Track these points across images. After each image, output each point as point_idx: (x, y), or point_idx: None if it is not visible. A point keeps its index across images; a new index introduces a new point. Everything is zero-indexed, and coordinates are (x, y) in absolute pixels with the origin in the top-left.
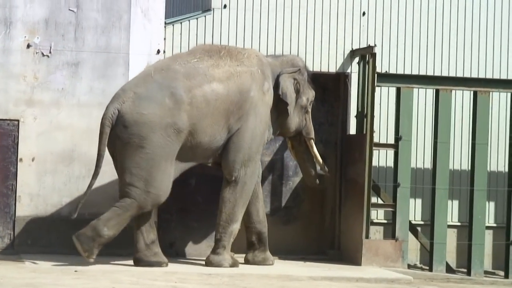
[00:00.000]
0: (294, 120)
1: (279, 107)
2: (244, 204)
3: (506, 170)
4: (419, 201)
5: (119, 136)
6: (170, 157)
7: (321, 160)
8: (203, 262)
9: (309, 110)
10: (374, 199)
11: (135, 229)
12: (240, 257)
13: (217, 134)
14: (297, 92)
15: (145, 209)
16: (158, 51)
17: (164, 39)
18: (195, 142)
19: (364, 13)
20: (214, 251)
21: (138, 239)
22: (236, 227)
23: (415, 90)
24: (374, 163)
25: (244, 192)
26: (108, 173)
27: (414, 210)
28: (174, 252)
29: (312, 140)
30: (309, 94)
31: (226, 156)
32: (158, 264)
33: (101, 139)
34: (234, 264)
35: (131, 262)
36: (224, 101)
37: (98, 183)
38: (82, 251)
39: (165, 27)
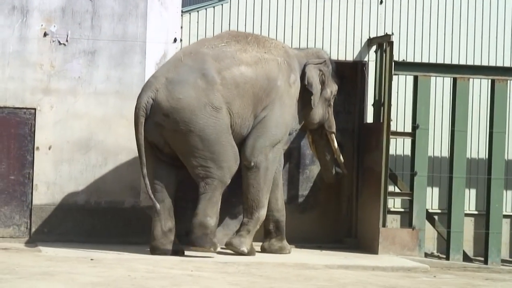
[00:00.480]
0: (318, 111)
1: (304, 98)
2: (268, 189)
3: None
4: (436, 190)
5: (162, 125)
6: (224, 131)
7: (341, 156)
8: (220, 250)
9: (332, 103)
10: (391, 188)
11: (155, 215)
12: (257, 245)
13: (246, 119)
14: (322, 83)
15: (226, 183)
16: (175, 40)
17: (181, 27)
18: (231, 123)
19: (381, 2)
20: (238, 232)
21: (155, 226)
22: (263, 213)
23: (433, 79)
24: (391, 151)
25: (267, 177)
26: (124, 161)
27: (431, 199)
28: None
29: (333, 134)
30: (333, 87)
31: (246, 141)
32: (175, 252)
33: (137, 129)
34: (252, 252)
35: (147, 250)
36: (253, 85)
37: (114, 171)
38: (207, 251)
39: (181, 15)
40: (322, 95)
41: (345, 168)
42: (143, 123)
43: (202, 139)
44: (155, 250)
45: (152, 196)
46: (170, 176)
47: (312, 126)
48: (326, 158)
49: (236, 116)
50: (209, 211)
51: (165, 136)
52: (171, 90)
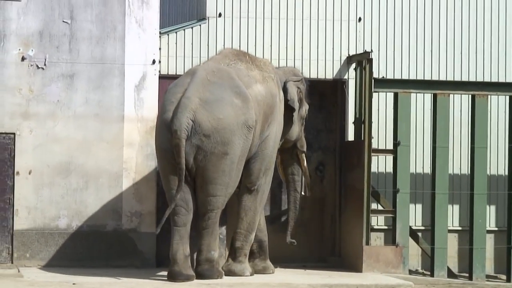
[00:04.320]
0: (296, 129)
1: (286, 115)
2: (261, 212)
3: (506, 173)
4: (419, 206)
5: (200, 147)
6: (244, 156)
7: (308, 177)
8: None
9: (304, 122)
10: (373, 205)
11: (176, 239)
12: None
13: (258, 138)
14: (300, 101)
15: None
16: (154, 61)
17: (159, 48)
18: (251, 143)
19: (360, 19)
20: (236, 259)
21: (177, 249)
22: (253, 235)
23: (413, 95)
24: (373, 169)
25: (262, 200)
26: (106, 185)
27: (414, 216)
28: None
29: (304, 154)
30: (306, 106)
31: (253, 164)
32: (191, 277)
33: (179, 153)
34: (252, 273)
35: (130, 273)
36: (264, 102)
37: (95, 195)
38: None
39: (160, 36)
40: (299, 113)
41: (309, 190)
42: (184, 146)
43: (232, 162)
44: (177, 276)
45: (161, 223)
46: (194, 200)
47: (288, 144)
48: (295, 178)
49: (256, 135)
50: (212, 245)
51: (198, 158)
52: (209, 110)
